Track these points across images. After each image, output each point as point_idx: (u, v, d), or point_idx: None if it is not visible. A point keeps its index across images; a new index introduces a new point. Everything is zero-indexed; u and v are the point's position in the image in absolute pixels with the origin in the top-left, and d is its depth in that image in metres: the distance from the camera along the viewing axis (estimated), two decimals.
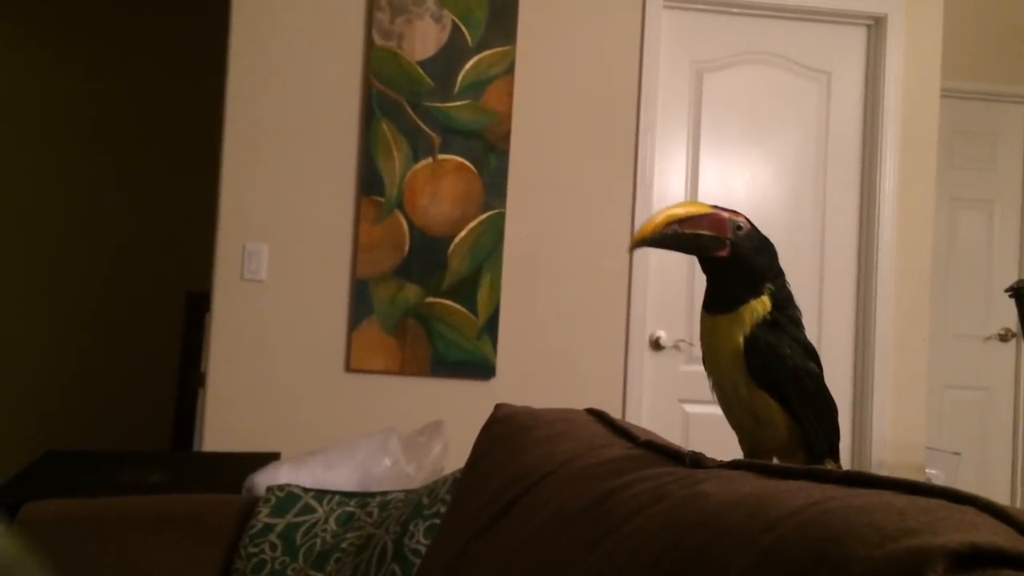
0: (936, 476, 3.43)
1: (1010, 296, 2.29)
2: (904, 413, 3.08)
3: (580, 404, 1.23)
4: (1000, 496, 4.02)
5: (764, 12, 3.09)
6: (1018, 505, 4.05)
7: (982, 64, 4.23)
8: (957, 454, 3.62)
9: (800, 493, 0.52)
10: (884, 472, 3.02)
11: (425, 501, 1.28)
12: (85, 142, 4.60)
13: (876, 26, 3.13)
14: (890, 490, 0.49)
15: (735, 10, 3.08)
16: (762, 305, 0.85)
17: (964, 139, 4.21)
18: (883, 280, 3.06)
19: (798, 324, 0.88)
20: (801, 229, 3.09)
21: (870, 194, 3.11)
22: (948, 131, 3.73)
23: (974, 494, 0.45)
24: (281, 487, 1.52)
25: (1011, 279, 2.77)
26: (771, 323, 0.85)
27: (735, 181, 3.07)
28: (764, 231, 0.90)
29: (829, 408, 0.88)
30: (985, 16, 4.19)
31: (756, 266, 0.86)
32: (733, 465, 0.69)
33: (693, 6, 3.06)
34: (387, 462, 1.82)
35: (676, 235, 0.84)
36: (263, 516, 1.44)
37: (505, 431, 1.04)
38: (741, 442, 0.89)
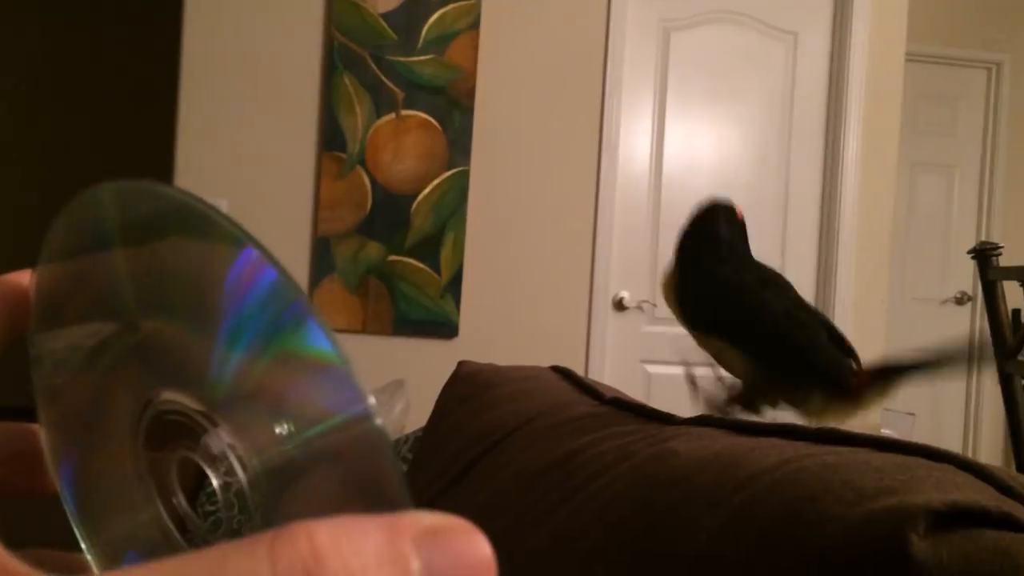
0: (891, 436, 3.49)
1: (973, 258, 2.31)
2: None
3: (543, 364, 1.22)
4: None
5: None
6: None
7: (946, 28, 4.25)
8: (911, 415, 3.69)
9: (772, 451, 0.50)
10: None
11: None
12: (30, 92, 4.45)
13: None
14: (866, 447, 0.48)
15: None
16: None
17: (926, 103, 4.24)
18: (844, 243, 3.08)
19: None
20: (765, 190, 3.09)
21: (833, 157, 3.12)
22: (910, 95, 3.75)
23: (952, 451, 0.43)
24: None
25: (969, 244, 2.79)
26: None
27: (700, 142, 3.06)
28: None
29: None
30: None
31: None
32: (702, 421, 0.67)
33: None
34: None
35: None
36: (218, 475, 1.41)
37: (468, 389, 1.02)
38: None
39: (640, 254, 2.99)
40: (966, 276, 4.19)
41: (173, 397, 0.21)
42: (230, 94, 2.70)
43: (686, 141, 3.05)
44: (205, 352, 0.20)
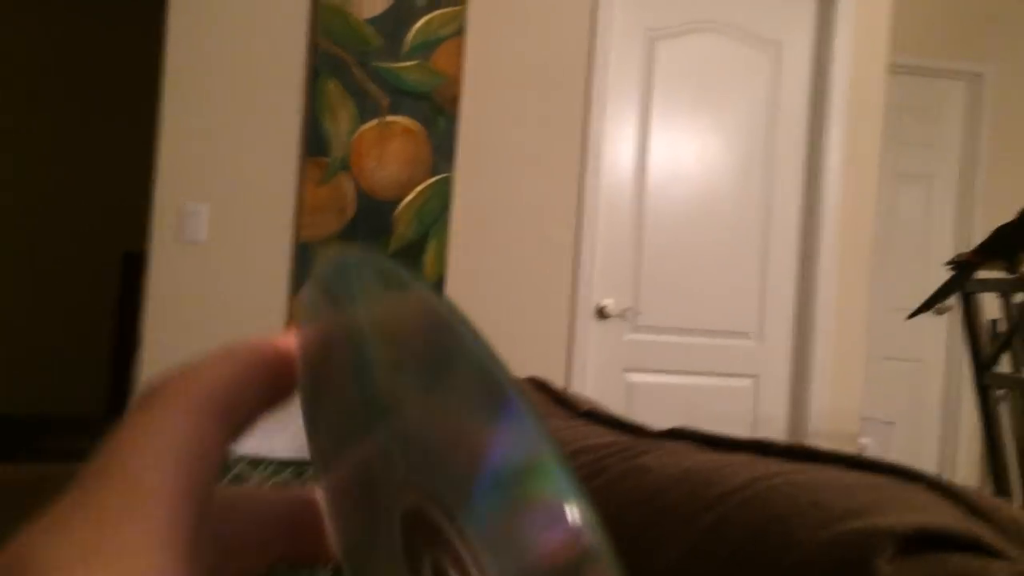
0: (869, 444, 3.51)
1: (951, 270, 2.33)
2: (842, 384, 3.13)
3: (525, 372, 1.21)
4: (928, 464, 4.14)
5: None
6: (947, 473, 4.18)
7: (925, 39, 4.28)
8: (890, 423, 3.71)
9: (743, 468, 0.50)
10: (819, 441, 3.08)
11: None
12: (11, 93, 4.41)
13: None
14: (837, 465, 0.47)
15: None
16: None
17: (905, 114, 4.27)
18: (825, 252, 3.09)
19: None
20: (747, 199, 3.10)
21: (815, 167, 3.13)
22: (892, 105, 3.78)
23: (923, 471, 0.43)
24: None
25: (948, 254, 2.82)
26: None
27: (684, 150, 3.06)
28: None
29: None
30: None
31: None
32: (674, 435, 0.67)
33: None
34: None
35: None
36: None
37: None
38: None
39: (623, 262, 3.00)
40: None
41: (425, 507, 0.21)
42: (213, 98, 2.69)
43: (670, 149, 3.05)
44: (464, 461, 0.20)
